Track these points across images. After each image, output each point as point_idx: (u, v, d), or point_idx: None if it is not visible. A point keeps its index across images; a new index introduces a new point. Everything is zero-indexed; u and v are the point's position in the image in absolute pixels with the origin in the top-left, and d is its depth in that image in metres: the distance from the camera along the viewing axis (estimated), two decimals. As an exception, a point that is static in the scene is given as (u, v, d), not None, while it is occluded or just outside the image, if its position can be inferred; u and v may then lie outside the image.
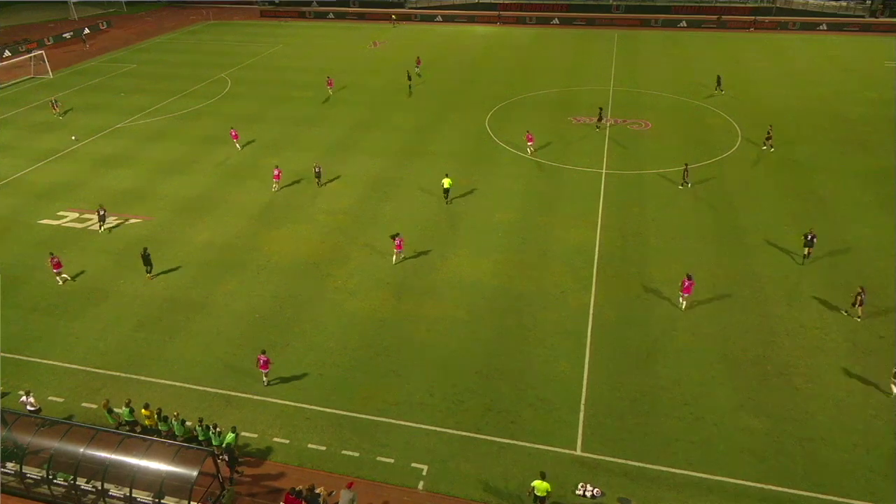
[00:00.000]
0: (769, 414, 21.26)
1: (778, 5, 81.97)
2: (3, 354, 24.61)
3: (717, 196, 35.65)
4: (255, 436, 20.91)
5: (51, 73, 62.47)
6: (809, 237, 28.77)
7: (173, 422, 20.14)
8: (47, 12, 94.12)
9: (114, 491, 18.40)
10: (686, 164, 36.84)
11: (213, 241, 32.24)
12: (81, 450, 18.43)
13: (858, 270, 28.55)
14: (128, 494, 18.06)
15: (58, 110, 50.70)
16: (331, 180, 38.28)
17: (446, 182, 35.06)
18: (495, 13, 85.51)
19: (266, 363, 22.42)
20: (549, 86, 56.80)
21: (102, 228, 33.17)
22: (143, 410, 20.55)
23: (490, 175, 38.78)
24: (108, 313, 26.90)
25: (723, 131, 45.13)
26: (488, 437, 20.68)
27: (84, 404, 22.31)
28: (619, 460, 19.76)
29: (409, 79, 56.89)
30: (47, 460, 18.75)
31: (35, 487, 19.19)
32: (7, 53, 67.48)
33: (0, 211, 35.75)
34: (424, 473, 19.51)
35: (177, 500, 18.27)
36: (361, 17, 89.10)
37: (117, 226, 33.71)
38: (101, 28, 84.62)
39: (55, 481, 18.77)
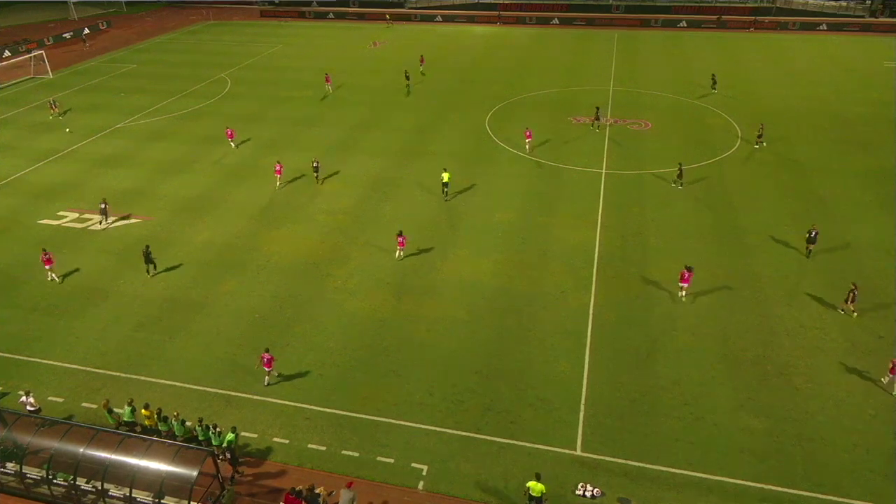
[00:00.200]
0: (769, 414, 21.27)
1: (778, 5, 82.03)
2: (2, 354, 24.61)
3: (716, 196, 35.66)
4: (255, 436, 20.91)
5: (51, 73, 62.49)
6: (813, 234, 28.94)
7: (173, 422, 20.14)
8: (47, 12, 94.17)
9: (114, 491, 18.39)
10: (680, 164, 36.84)
11: (213, 240, 32.25)
12: (81, 450, 18.40)
13: (858, 270, 28.55)
14: (128, 494, 18.05)
15: (56, 111, 50.68)
16: (328, 176, 38.27)
17: (445, 176, 35.12)
18: (495, 13, 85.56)
19: (270, 361, 22.46)
20: (549, 86, 56.81)
21: (105, 223, 33.08)
22: (143, 410, 20.54)
23: (490, 175, 38.79)
24: (108, 313, 26.91)
25: (723, 131, 45.15)
26: (488, 437, 20.68)
27: (84, 404, 22.31)
28: (619, 460, 19.76)
29: (408, 78, 56.95)
30: (47, 460, 18.73)
31: (35, 487, 19.19)
32: (7, 53, 67.53)
33: (0, 211, 35.78)
34: (424, 473, 19.51)
35: (177, 500, 18.27)
36: (361, 17, 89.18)
37: (117, 224, 33.68)
38: (101, 28, 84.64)
39: (55, 481, 18.77)
